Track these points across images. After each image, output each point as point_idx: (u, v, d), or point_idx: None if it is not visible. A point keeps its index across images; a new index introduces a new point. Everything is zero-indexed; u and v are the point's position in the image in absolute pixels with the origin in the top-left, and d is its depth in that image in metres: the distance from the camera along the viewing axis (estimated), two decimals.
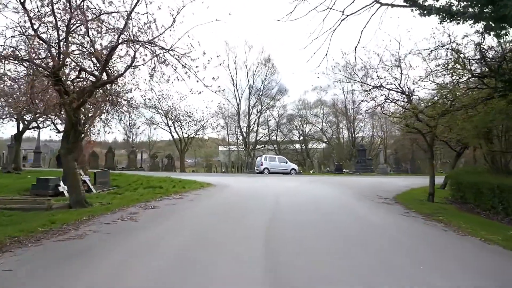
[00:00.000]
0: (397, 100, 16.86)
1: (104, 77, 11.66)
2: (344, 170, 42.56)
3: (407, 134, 48.35)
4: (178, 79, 11.31)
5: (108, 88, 13.75)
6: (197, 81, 10.73)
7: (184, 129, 36.00)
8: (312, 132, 66.46)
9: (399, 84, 16.40)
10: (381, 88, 16.58)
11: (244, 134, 53.58)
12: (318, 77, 50.13)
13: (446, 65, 14.34)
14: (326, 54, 12.93)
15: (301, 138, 66.93)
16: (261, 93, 54.55)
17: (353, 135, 66.21)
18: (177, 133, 36.24)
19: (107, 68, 11.98)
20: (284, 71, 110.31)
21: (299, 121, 63.89)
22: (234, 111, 54.46)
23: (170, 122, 36.14)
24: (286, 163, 36.79)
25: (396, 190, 20.05)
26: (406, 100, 16.68)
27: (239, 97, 53.99)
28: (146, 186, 18.57)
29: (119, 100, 14.39)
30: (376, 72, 16.42)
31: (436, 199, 16.14)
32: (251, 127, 54.72)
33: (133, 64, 11.84)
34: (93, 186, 17.26)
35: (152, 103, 34.84)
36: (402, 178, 32.79)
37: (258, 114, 55.05)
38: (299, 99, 65.42)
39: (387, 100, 16.84)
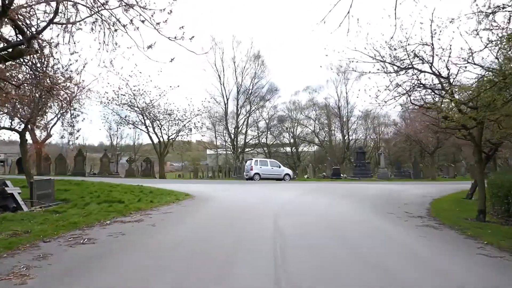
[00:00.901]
0: (432, 86, 12.66)
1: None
2: (341, 175, 38.46)
3: (400, 136, 44.69)
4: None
5: (37, 63, 9.35)
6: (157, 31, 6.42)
7: (164, 129, 31.61)
8: (304, 134, 62.38)
9: (431, 66, 12.21)
10: (410, 69, 12.38)
11: (232, 136, 49.20)
12: (338, 52, 45.04)
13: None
14: (349, 12, 8.59)
15: (292, 140, 62.87)
16: (250, 92, 50.32)
17: (347, 137, 62.28)
18: (156, 134, 31.83)
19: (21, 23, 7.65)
20: (274, 70, 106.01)
21: (290, 122, 59.80)
22: (221, 111, 50.18)
23: (148, 122, 31.65)
24: (279, 167, 32.52)
25: (419, 202, 15.97)
26: (442, 85, 12.50)
27: (226, 96, 49.74)
28: (103, 199, 14.05)
29: (54, 85, 10.00)
30: (405, 49, 12.18)
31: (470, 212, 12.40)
32: (240, 128, 50.40)
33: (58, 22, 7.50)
34: (29, 201, 12.77)
35: (127, 100, 30.39)
36: (410, 184, 28.75)
37: (247, 115, 50.80)
38: (290, 100, 61.37)
39: (417, 86, 12.63)
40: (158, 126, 31.63)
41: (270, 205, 13.25)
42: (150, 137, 31.91)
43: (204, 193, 17.55)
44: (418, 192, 20.52)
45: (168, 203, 13.82)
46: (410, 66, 12.36)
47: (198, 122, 32.50)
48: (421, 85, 12.54)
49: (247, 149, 51.95)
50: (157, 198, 14.97)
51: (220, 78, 48.59)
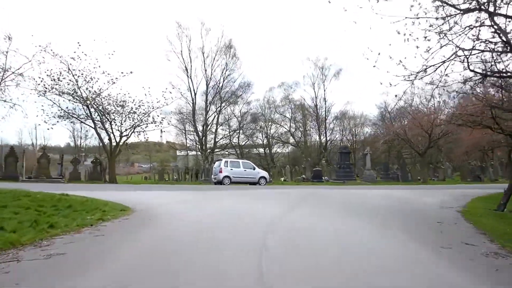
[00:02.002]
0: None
1: None
2: (323, 177, 33.65)
3: (388, 135, 40.20)
4: None
5: None
6: None
7: (115, 124, 25.90)
8: (278, 133, 57.48)
9: None
10: (473, 12, 7.48)
11: (201, 134, 43.65)
12: None
13: None
14: None
15: (265, 141, 57.91)
16: (221, 86, 44.91)
17: (325, 137, 57.74)
18: (106, 131, 26.02)
19: None
20: (247, 64, 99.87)
21: (263, 121, 54.78)
22: (189, 107, 44.52)
23: (95, 115, 25.77)
24: (254, 169, 27.25)
25: (451, 218, 11.04)
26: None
27: (194, 91, 44.07)
28: None
29: None
30: None
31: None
32: (209, 126, 44.92)
33: None
34: None
35: (70, 88, 24.53)
36: (406, 189, 24.04)
37: (218, 112, 45.29)
38: (264, 97, 56.33)
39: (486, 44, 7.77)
40: (108, 121, 25.85)
41: (245, 235, 7.87)
42: (98, 134, 26.10)
43: (152, 206, 12.06)
44: (432, 202, 15.66)
45: (80, 228, 8.30)
46: (475, 7, 7.45)
47: (158, 116, 26.84)
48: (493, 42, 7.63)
49: (217, 150, 46.54)
50: (70, 217, 9.44)
51: (187, 70, 43.07)
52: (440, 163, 39.16)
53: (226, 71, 44.29)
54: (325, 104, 55.98)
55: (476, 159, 38.63)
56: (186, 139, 46.42)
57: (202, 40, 43.50)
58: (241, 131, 48.32)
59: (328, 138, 57.46)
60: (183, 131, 45.39)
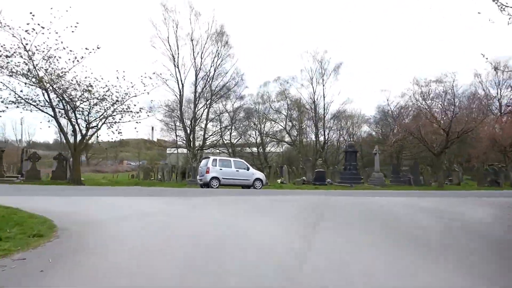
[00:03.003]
0: None
1: None
2: (327, 179, 29.02)
3: (401, 132, 35.58)
4: None
5: None
6: None
7: (80, 112, 20.90)
8: (273, 131, 52.80)
9: None
10: None
11: (188, 129, 38.72)
12: None
13: None
14: None
15: (259, 139, 53.17)
16: (212, 76, 39.93)
17: (323, 136, 53.15)
18: (70, 120, 20.98)
19: None
20: (240, 55, 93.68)
21: (257, 118, 50.06)
22: (175, 99, 39.50)
23: (55, 102, 20.69)
24: (248, 169, 22.43)
25: None
26: None
27: (181, 81, 39.06)
28: None
29: None
30: None
31: None
32: (198, 121, 40.00)
33: None
34: None
35: (25, 68, 19.58)
36: (428, 196, 19.44)
37: (207, 105, 40.36)
38: (258, 93, 51.56)
39: None
40: (71, 108, 20.87)
41: None
42: (58, 124, 20.96)
43: (98, 223, 7.29)
44: (483, 217, 11.04)
45: None
46: None
47: (135, 105, 21.90)
48: None
49: (206, 148, 41.68)
50: None
51: (174, 58, 38.12)
52: (455, 166, 34.61)
53: (218, 60, 39.45)
54: (323, 100, 51.41)
55: (494, 161, 34.18)
56: (176, 134, 41.41)
57: (191, 26, 38.70)
58: (233, 127, 43.51)
59: (326, 137, 52.79)
60: (169, 125, 40.40)
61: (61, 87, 20.43)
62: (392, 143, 33.29)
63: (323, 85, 50.85)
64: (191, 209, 10.51)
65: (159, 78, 22.13)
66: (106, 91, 21.23)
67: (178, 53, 38.11)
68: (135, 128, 23.26)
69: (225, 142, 45.49)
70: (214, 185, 21.04)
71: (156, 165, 57.16)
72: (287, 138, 54.45)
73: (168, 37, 37.53)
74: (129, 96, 21.74)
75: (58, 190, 15.51)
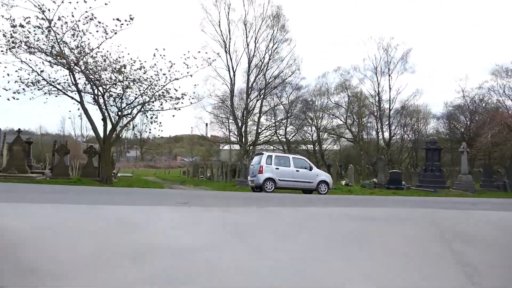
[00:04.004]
0: None
1: None
2: (403, 182, 23.68)
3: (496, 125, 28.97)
4: None
5: None
6: None
7: (111, 99, 17.17)
8: (332, 126, 47.57)
9: None
10: None
11: (240, 122, 34.53)
12: None
13: None
14: None
15: (315, 135, 48.15)
16: (266, 62, 35.26)
17: (388, 132, 47.16)
18: (99, 106, 17.27)
19: None
20: (297, 43, 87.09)
21: (313, 112, 45.04)
22: (226, 89, 35.41)
23: (82, 83, 17.12)
24: (310, 169, 17.67)
25: None
26: None
27: (233, 68, 34.90)
28: None
29: None
30: None
31: None
32: (250, 113, 35.71)
33: None
34: None
35: (47, 43, 16.12)
36: None
37: (261, 95, 35.90)
38: (316, 84, 46.55)
39: None
40: (100, 93, 17.18)
41: None
42: (85, 111, 17.23)
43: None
44: None
45: None
46: None
47: (176, 90, 17.85)
48: None
49: (260, 144, 37.30)
50: None
51: (225, 44, 34.03)
52: None
53: (273, 45, 34.84)
54: (389, 92, 45.44)
55: None
56: (228, 128, 37.35)
57: (244, 9, 34.44)
58: (289, 121, 38.80)
59: (392, 133, 46.82)
60: (219, 117, 36.38)
61: (88, 66, 16.78)
62: (489, 138, 26.90)
63: (389, 76, 44.95)
64: (230, 239, 6.10)
65: (205, 59, 18.03)
66: (143, 73, 17.38)
67: (230, 39, 34.09)
68: (173, 116, 18.89)
69: (280, 138, 41.01)
70: (269, 189, 16.56)
71: (209, 161, 53.99)
72: (346, 135, 49.15)
73: (219, 21, 33.58)
74: (169, 79, 17.74)
75: (64, 192, 11.70)
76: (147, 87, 17.33)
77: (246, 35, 34.41)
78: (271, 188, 16.62)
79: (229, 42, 34.02)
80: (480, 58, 79.30)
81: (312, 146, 48.50)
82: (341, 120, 46.80)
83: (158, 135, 20.60)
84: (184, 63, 17.62)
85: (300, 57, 44.10)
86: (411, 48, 48.94)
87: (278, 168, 16.94)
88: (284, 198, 13.54)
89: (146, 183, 21.88)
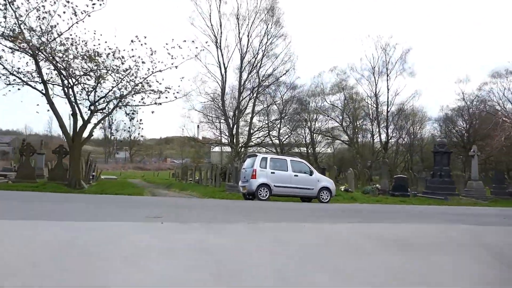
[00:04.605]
0: None
1: None
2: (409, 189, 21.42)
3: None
4: None
5: None
6: None
7: (84, 92, 14.67)
8: (328, 128, 45.34)
9: None
10: None
11: (231, 122, 32.06)
12: None
13: None
14: None
15: (308, 137, 45.88)
16: (259, 57, 32.84)
17: (386, 134, 45.04)
18: (68, 98, 14.70)
19: None
20: (292, 40, 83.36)
21: (307, 113, 42.79)
22: (216, 87, 32.85)
23: (47, 72, 14.55)
24: (310, 174, 15.28)
25: None
26: None
27: (225, 65, 32.43)
28: None
29: None
30: None
31: None
32: (242, 113, 33.26)
33: None
34: None
35: (7, 26, 13.60)
36: None
37: (255, 93, 33.45)
38: (312, 84, 44.42)
39: None
40: (69, 84, 14.65)
41: None
42: (51, 104, 14.58)
43: None
44: None
45: None
46: None
47: (160, 83, 15.42)
48: None
49: (251, 146, 34.88)
50: None
51: (216, 38, 31.55)
52: None
53: (267, 40, 32.40)
54: (387, 93, 43.35)
55: None
56: (218, 128, 34.79)
57: (237, 1, 31.98)
58: (283, 121, 36.43)
59: (389, 136, 44.73)
60: (208, 116, 33.82)
61: (56, 53, 14.28)
62: (503, 140, 24.68)
63: (387, 76, 42.88)
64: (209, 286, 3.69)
65: (192, 49, 15.58)
66: (121, 63, 14.92)
67: (221, 33, 31.62)
68: (153, 112, 16.27)
69: (273, 140, 38.63)
70: (263, 196, 14.16)
71: (200, 163, 51.51)
72: (341, 137, 46.96)
73: (210, 14, 31.12)
74: (152, 70, 15.30)
75: (8, 199, 9.22)
76: (123, 77, 14.86)
77: (239, 29, 32.06)
78: (266, 195, 14.22)
79: (221, 37, 31.65)
80: (480, 58, 77.56)
81: (305, 148, 46.29)
82: (336, 121, 44.67)
83: (140, 135, 18.08)
84: (168, 53, 15.21)
85: (296, 54, 41.59)
86: (410, 48, 46.73)
87: (273, 173, 14.54)
88: (282, 209, 11.13)
89: (125, 187, 19.34)
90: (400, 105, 44.31)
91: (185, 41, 15.92)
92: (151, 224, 6.86)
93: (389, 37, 58.52)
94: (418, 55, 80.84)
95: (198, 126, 36.83)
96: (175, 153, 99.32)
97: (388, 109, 43.60)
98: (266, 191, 14.25)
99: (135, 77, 15.35)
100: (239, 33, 32.11)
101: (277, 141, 39.83)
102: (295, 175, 14.81)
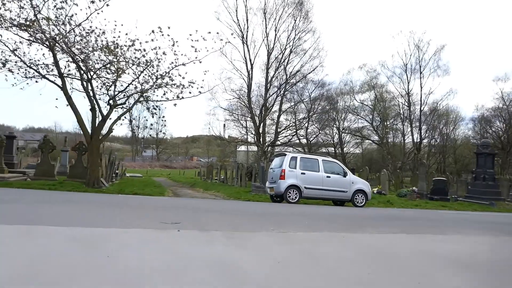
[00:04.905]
0: None
1: None
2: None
3: None
4: None
5: None
6: None
7: (104, 87, 13.80)
8: (358, 127, 43.62)
9: None
10: None
11: (257, 120, 30.87)
12: None
13: None
14: None
15: (336, 136, 44.26)
16: (287, 53, 31.48)
17: (419, 134, 42.87)
18: (87, 93, 13.87)
19: None
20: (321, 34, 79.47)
21: (335, 112, 41.18)
22: (242, 84, 31.73)
23: (65, 66, 13.80)
24: (344, 175, 13.86)
25: None
26: None
27: (251, 61, 31.27)
28: None
29: None
30: None
31: None
32: (269, 111, 32.00)
33: None
34: None
35: (23, 16, 12.85)
36: None
37: (281, 91, 32.15)
38: (340, 81, 42.72)
39: None
40: (87, 77, 13.79)
41: None
42: (68, 99, 13.64)
43: None
44: None
45: None
46: None
47: (183, 77, 14.39)
48: None
49: (278, 145, 33.59)
50: None
51: (242, 33, 30.44)
52: None
53: (295, 34, 30.96)
54: (421, 91, 41.24)
55: None
56: (245, 126, 33.59)
57: None
58: (311, 120, 34.91)
59: (423, 136, 42.59)
60: (234, 114, 32.72)
61: (74, 45, 13.45)
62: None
63: (421, 73, 40.74)
64: None
65: (217, 40, 14.40)
66: (142, 56, 13.96)
67: (247, 28, 30.45)
68: (175, 104, 15.03)
69: (300, 139, 37.22)
70: (292, 199, 12.91)
71: (226, 162, 50.73)
72: (371, 137, 45.10)
73: (236, 9, 30.02)
74: (175, 63, 14.29)
75: (16, 202, 8.33)
76: (144, 69, 13.90)
77: (266, 24, 30.77)
78: (295, 198, 12.97)
79: (247, 32, 30.44)
80: None
81: (333, 148, 44.67)
82: (366, 120, 42.86)
83: (163, 132, 17.10)
84: (192, 46, 14.13)
85: (325, 49, 39.91)
86: (444, 44, 44.17)
87: (304, 173, 13.27)
88: (314, 214, 9.85)
89: (147, 186, 18.44)
90: (434, 103, 42.07)
91: (209, 32, 14.80)
92: (165, 232, 5.72)
93: (423, 33, 55.92)
94: (453, 52, 77.14)
95: (224, 125, 35.88)
96: (202, 151, 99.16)
97: (422, 108, 41.46)
98: (296, 193, 12.99)
99: (157, 71, 14.37)
100: (266, 28, 30.91)
101: (304, 141, 38.44)
102: (327, 176, 13.48)
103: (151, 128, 70.27)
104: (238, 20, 30.01)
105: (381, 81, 43.19)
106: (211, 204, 11.44)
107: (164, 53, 13.68)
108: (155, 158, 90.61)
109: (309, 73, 32.03)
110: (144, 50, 13.98)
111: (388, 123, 43.92)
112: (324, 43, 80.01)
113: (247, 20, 30.23)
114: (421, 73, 40.83)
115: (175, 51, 14.10)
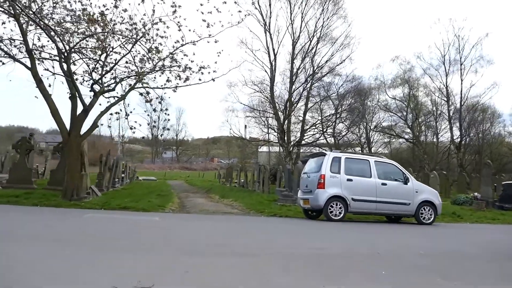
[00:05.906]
0: None
1: None
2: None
3: None
4: None
5: None
6: None
7: (80, 63, 10.45)
8: (389, 125, 39.25)
9: None
10: None
11: (281, 116, 27.01)
12: None
13: None
14: None
15: (364, 135, 39.97)
16: (315, 41, 27.47)
17: (459, 132, 38.17)
18: (65, 74, 10.54)
19: None
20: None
21: (365, 108, 36.94)
22: (264, 76, 27.95)
23: (35, 40, 10.50)
24: (405, 182, 10.05)
25: None
26: None
27: (274, 51, 27.39)
28: None
29: None
30: None
31: None
32: (294, 106, 28.12)
33: None
34: None
35: None
36: None
37: (308, 85, 28.17)
38: (370, 76, 38.47)
39: None
40: (62, 54, 10.39)
41: None
42: (38, 82, 10.32)
43: None
44: None
45: None
46: None
47: (192, 61, 10.88)
48: None
49: (304, 144, 29.74)
50: None
51: (265, 21, 26.68)
52: None
53: (323, 21, 27.01)
54: (461, 84, 36.58)
55: None
56: (267, 123, 29.82)
57: None
58: (340, 116, 30.82)
59: (464, 134, 37.91)
60: (255, 111, 28.94)
61: (44, 13, 10.08)
62: None
63: (461, 65, 36.08)
64: None
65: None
66: (133, 29, 10.47)
67: (271, 14, 26.70)
68: (174, 91, 11.19)
69: (327, 138, 33.27)
70: (335, 216, 9.15)
71: (247, 164, 47.37)
72: (404, 135, 40.65)
73: None
74: (182, 40, 10.75)
75: None
76: (136, 42, 10.39)
77: (291, 10, 26.95)
78: (340, 214, 9.20)
79: (270, 19, 26.73)
80: None
81: (359, 148, 40.47)
82: (400, 117, 38.41)
83: (166, 128, 13.62)
84: (203, 20, 10.56)
85: (357, 37, 35.53)
86: (487, 33, 39.15)
87: (351, 180, 9.49)
88: (387, 250, 6.01)
89: (150, 194, 14.91)
90: (475, 98, 37.33)
91: (225, 2, 11.16)
92: None
93: (463, 20, 50.57)
94: (494, 42, 70.50)
95: (245, 126, 32.26)
96: (222, 153, 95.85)
97: (462, 103, 36.80)
98: (341, 208, 9.22)
99: (156, 47, 10.83)
100: (291, 14, 27.08)
101: (331, 140, 34.44)
102: (382, 184, 9.65)
103: (168, 129, 66.56)
104: (260, 6, 26.38)
105: (415, 75, 38.69)
106: (220, 230, 7.71)
107: (161, 20, 10.11)
108: (175, 160, 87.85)
109: (340, 63, 27.88)
110: (135, 17, 10.49)
111: (423, 119, 39.50)
112: (356, 32, 74.39)
113: (270, 5, 26.53)
114: (461, 64, 36.19)
115: (179, 24, 10.56)
